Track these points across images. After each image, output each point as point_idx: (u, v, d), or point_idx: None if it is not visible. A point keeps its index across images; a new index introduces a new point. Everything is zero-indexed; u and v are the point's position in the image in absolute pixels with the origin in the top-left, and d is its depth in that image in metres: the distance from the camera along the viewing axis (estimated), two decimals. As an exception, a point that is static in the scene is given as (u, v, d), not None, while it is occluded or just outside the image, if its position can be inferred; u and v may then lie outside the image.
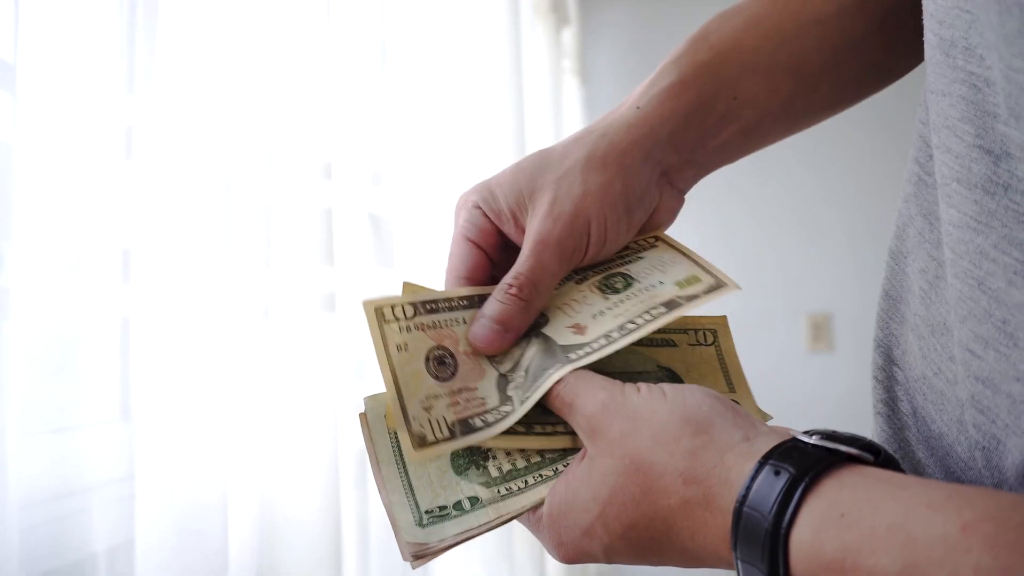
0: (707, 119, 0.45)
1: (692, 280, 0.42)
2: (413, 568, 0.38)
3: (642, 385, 0.36)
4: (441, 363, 0.41)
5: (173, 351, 0.57)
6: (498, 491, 0.39)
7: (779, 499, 0.28)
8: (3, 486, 0.46)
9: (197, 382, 0.58)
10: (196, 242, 0.59)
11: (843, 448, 0.29)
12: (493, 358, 0.42)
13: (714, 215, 2.35)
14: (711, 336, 0.46)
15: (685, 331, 0.46)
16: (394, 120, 0.96)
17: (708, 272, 0.43)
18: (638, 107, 0.44)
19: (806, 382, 2.24)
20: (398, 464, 0.41)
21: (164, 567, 0.55)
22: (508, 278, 0.42)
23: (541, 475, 0.39)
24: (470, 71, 1.19)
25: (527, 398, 0.39)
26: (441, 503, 0.39)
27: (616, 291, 0.43)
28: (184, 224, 0.59)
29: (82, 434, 0.56)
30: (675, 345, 0.46)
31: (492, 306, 0.41)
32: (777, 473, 0.29)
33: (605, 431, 0.34)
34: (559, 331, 0.42)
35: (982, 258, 0.29)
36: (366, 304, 0.41)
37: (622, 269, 0.45)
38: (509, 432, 0.39)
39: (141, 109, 0.57)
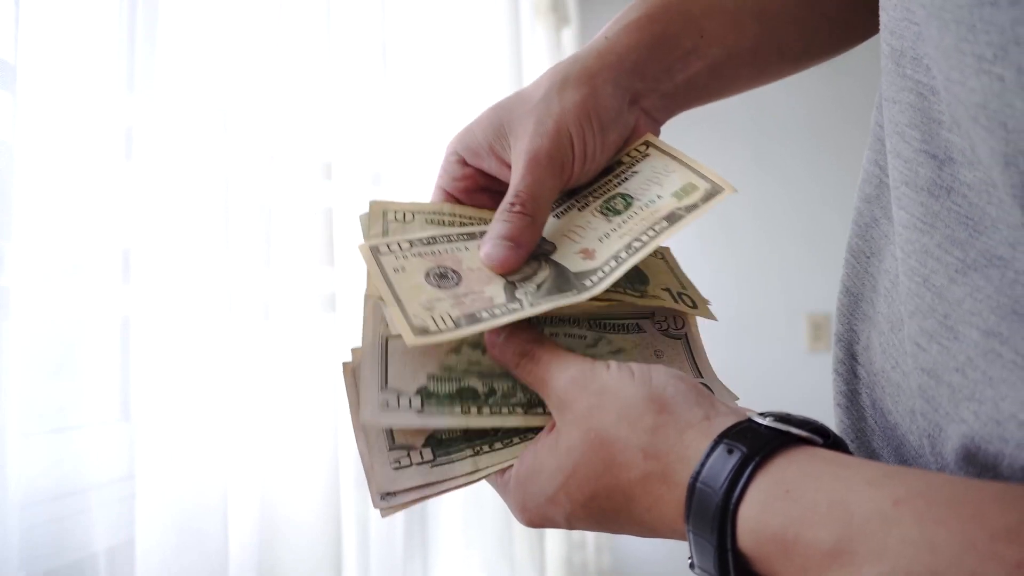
0: (672, 52, 0.47)
1: (689, 189, 0.43)
2: (383, 516, 0.39)
3: (612, 363, 0.37)
4: (442, 276, 0.42)
5: (173, 351, 0.57)
6: (473, 448, 0.40)
7: (730, 476, 0.30)
8: (3, 486, 0.46)
9: (197, 382, 0.58)
10: (196, 242, 0.59)
11: (794, 430, 0.31)
12: (505, 277, 0.42)
13: (714, 215, 2.35)
14: (681, 322, 0.47)
15: (652, 316, 0.47)
16: (394, 120, 0.96)
17: (704, 177, 0.43)
18: (607, 37, 0.47)
19: (806, 382, 2.24)
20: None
21: (164, 567, 0.55)
22: (508, 197, 0.43)
23: (513, 441, 0.40)
24: (470, 71, 1.19)
25: (539, 303, 0.40)
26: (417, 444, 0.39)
27: (618, 212, 0.44)
28: (184, 224, 0.58)
29: (82, 434, 0.56)
30: (643, 331, 0.46)
31: (498, 226, 0.43)
32: (730, 452, 0.31)
33: (573, 405, 0.36)
34: (569, 257, 0.43)
35: (927, 257, 0.31)
36: (362, 246, 0.43)
37: (620, 189, 0.46)
38: (490, 413, 0.39)
39: (141, 109, 0.57)
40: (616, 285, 0.41)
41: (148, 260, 0.57)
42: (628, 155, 0.47)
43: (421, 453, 0.39)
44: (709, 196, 0.41)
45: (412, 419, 0.39)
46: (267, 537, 0.66)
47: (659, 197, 0.43)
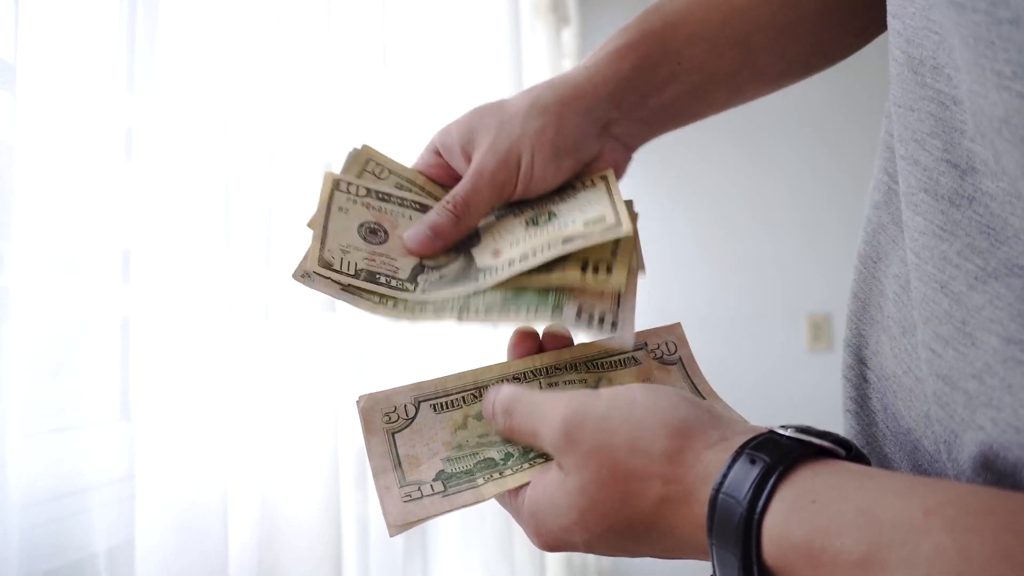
0: (650, 80, 0.49)
1: (598, 220, 0.44)
2: (391, 536, 0.39)
3: (602, 391, 0.36)
4: (372, 232, 0.47)
5: (173, 351, 0.57)
6: (484, 477, 0.40)
7: (754, 485, 0.29)
8: (3, 486, 0.46)
9: (197, 382, 0.58)
10: (196, 242, 0.59)
11: (816, 440, 0.31)
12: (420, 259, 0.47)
13: (714, 215, 2.35)
14: (673, 347, 0.48)
15: (645, 346, 0.47)
16: (394, 120, 0.96)
17: (615, 213, 0.44)
18: (587, 67, 0.49)
19: (806, 382, 2.24)
20: (392, 452, 0.42)
21: (164, 567, 0.55)
22: (448, 196, 0.48)
23: (523, 467, 0.40)
24: (470, 71, 1.19)
25: (426, 294, 0.44)
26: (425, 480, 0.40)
27: (537, 224, 0.48)
28: (184, 224, 0.58)
29: (82, 434, 0.56)
30: (639, 363, 0.47)
31: (430, 215, 0.48)
32: (753, 462, 0.30)
33: (577, 447, 0.35)
34: (483, 253, 0.47)
35: (946, 263, 0.31)
36: (327, 174, 0.48)
37: (552, 207, 0.49)
38: (512, 472, 0.39)
39: (141, 109, 0.57)
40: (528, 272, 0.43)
41: (148, 260, 0.57)
42: (581, 181, 0.50)
43: (432, 486, 0.40)
44: (607, 230, 0.43)
45: (440, 505, 0.39)
46: (267, 537, 0.66)
47: (574, 221, 0.45)
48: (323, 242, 0.44)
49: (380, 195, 0.49)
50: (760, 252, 2.32)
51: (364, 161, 0.51)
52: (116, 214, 0.57)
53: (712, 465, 0.32)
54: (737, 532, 0.29)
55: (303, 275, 0.44)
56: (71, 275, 0.55)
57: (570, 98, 0.48)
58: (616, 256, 0.43)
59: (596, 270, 0.43)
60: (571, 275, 0.43)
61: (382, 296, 0.44)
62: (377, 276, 0.44)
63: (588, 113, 0.48)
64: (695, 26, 0.49)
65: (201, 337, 0.59)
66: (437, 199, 0.50)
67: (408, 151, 0.98)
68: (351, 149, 0.51)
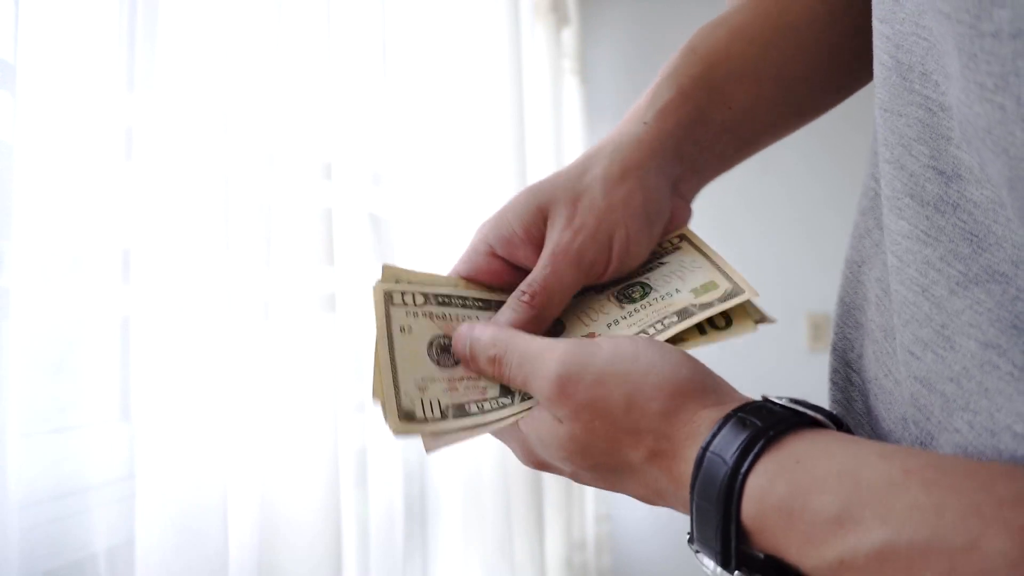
0: (707, 129, 0.47)
1: (709, 287, 0.42)
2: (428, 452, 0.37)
3: (605, 343, 0.36)
4: (445, 350, 0.41)
5: (173, 351, 0.57)
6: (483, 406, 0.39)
7: (741, 447, 0.30)
8: (3, 486, 0.46)
9: (197, 382, 0.58)
10: (196, 242, 0.59)
11: (808, 412, 0.32)
12: None
13: (714, 215, 2.34)
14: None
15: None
16: (394, 120, 0.96)
17: (727, 277, 0.42)
18: (645, 122, 0.46)
19: (806, 382, 2.24)
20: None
21: (164, 567, 0.55)
22: (523, 286, 0.42)
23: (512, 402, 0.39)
24: (470, 71, 1.19)
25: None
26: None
27: (632, 300, 0.43)
28: (184, 224, 0.58)
29: (82, 434, 0.56)
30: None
31: (505, 313, 0.42)
32: (744, 424, 0.31)
33: (570, 400, 0.35)
34: (573, 337, 0.41)
35: (928, 268, 0.31)
36: (376, 286, 0.41)
37: (641, 278, 0.45)
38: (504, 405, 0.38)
39: (141, 109, 0.57)
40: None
41: (148, 260, 0.57)
42: (660, 245, 0.46)
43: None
44: (727, 297, 0.40)
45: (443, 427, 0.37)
46: (267, 537, 0.66)
47: (677, 291, 0.42)
48: (397, 387, 0.37)
49: (440, 299, 0.42)
50: (760, 252, 2.32)
51: (393, 280, 0.43)
52: (116, 214, 0.57)
53: (704, 425, 0.32)
54: (720, 490, 0.30)
55: (396, 434, 0.37)
56: (71, 275, 0.55)
57: (642, 157, 0.44)
58: (725, 303, 0.40)
59: (715, 326, 0.42)
60: (693, 342, 0.41)
61: (480, 425, 0.38)
62: (467, 407, 0.38)
63: (662, 171, 0.45)
64: (735, 62, 0.47)
65: (201, 337, 0.59)
66: (498, 294, 0.44)
67: (408, 151, 0.99)
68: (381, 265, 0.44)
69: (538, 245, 0.44)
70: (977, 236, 0.30)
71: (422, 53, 1.03)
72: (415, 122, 1.01)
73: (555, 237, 0.42)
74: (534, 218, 0.43)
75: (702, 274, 0.43)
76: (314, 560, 0.69)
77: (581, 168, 0.45)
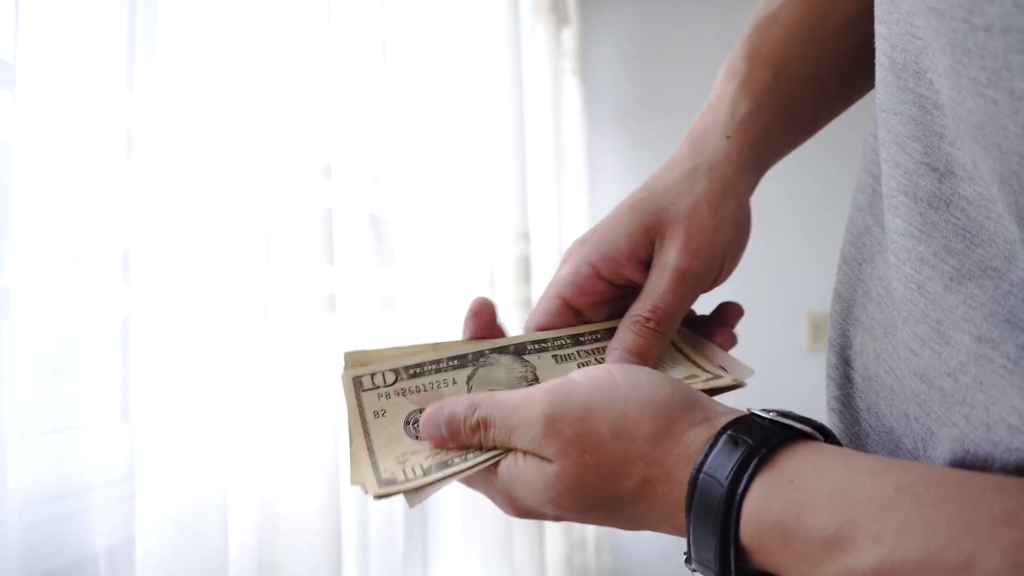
0: (780, 136, 0.48)
1: (691, 378, 0.43)
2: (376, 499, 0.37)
3: (578, 377, 0.35)
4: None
5: (173, 351, 0.57)
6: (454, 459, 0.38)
7: (736, 467, 0.30)
8: (3, 486, 0.46)
9: (197, 382, 0.58)
10: (196, 242, 0.59)
11: (796, 425, 0.32)
12: None
13: (714, 215, 2.34)
14: None
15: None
16: (394, 120, 0.96)
17: (703, 370, 0.43)
18: (728, 136, 0.46)
19: (806, 382, 2.24)
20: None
21: (164, 567, 0.55)
22: (643, 311, 0.42)
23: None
24: (470, 71, 1.19)
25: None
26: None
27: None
28: (184, 224, 0.58)
29: (82, 434, 0.56)
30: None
31: (628, 339, 0.42)
32: (736, 443, 0.31)
33: (558, 437, 0.34)
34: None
35: (923, 264, 0.32)
36: (343, 375, 0.41)
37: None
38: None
39: (141, 109, 0.57)
40: None
41: (148, 260, 0.57)
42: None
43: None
44: (710, 381, 0.42)
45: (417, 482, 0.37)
46: (267, 537, 0.66)
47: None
48: (375, 467, 0.37)
49: (412, 371, 0.41)
50: (760, 252, 2.32)
51: (358, 365, 0.42)
52: (116, 214, 0.57)
53: (694, 446, 0.32)
54: (717, 512, 0.30)
55: (376, 497, 0.36)
56: (71, 275, 0.55)
57: (735, 174, 0.45)
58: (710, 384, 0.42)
59: (705, 370, 0.43)
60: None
61: (466, 468, 0.37)
62: (448, 461, 0.37)
63: (748, 185, 0.46)
64: (797, 66, 0.47)
65: (201, 337, 0.59)
66: (473, 344, 0.43)
67: (408, 151, 0.99)
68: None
69: (641, 263, 0.44)
70: (970, 232, 0.30)
71: (422, 53, 1.03)
72: (415, 122, 1.01)
73: (673, 260, 0.42)
74: (641, 237, 0.43)
75: (681, 370, 0.44)
76: (314, 560, 0.69)
77: (681, 185, 0.44)
